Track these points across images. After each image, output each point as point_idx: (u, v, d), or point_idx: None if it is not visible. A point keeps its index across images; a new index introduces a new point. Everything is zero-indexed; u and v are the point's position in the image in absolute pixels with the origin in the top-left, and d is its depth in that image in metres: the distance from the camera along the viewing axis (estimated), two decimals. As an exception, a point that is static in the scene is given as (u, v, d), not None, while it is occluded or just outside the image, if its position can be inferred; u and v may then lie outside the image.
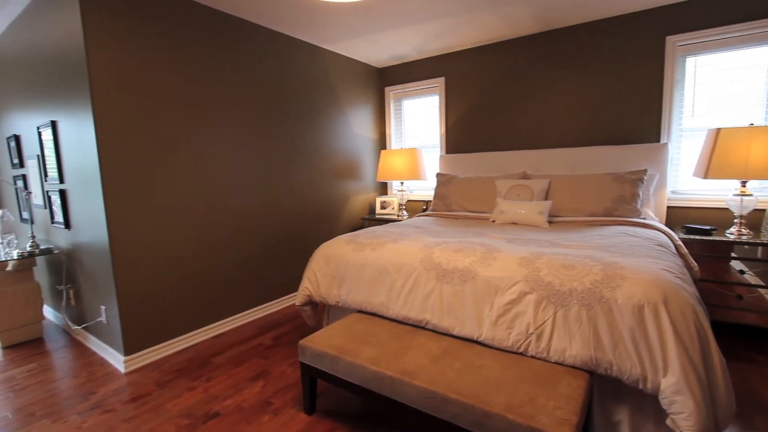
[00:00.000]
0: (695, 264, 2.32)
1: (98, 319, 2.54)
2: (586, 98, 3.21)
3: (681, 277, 1.57)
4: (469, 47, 3.72)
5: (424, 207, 4.14)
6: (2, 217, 3.09)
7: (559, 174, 3.05)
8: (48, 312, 3.30)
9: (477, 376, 1.47)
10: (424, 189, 4.27)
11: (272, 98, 3.16)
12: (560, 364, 1.53)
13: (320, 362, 1.77)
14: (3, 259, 2.62)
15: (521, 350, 1.61)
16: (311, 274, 2.35)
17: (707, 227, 2.60)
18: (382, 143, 4.46)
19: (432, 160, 4.13)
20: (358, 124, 4.10)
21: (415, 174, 3.78)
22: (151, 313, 2.46)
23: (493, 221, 2.91)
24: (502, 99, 3.61)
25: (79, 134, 2.31)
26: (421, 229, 2.59)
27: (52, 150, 2.60)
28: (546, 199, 2.93)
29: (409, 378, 1.48)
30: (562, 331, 1.52)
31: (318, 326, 2.65)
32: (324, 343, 1.80)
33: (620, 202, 2.67)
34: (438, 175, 3.67)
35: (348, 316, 2.16)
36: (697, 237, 2.52)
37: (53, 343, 2.78)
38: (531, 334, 1.58)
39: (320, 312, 2.84)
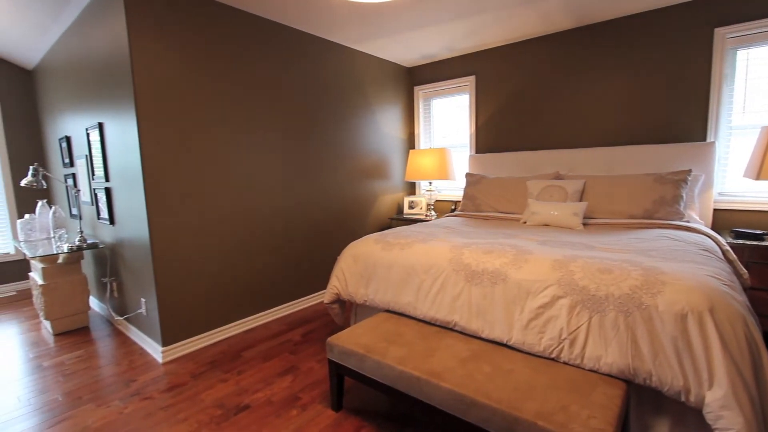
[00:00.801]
0: (745, 271, 2.18)
1: (138, 311, 2.67)
2: (624, 95, 3.07)
3: (729, 285, 1.48)
4: (500, 45, 3.64)
5: (453, 207, 4.09)
6: (54, 212, 3.31)
7: (595, 174, 2.94)
8: (93, 303, 3.51)
9: (507, 380, 1.44)
10: (453, 189, 4.22)
11: (303, 99, 3.21)
12: (595, 371, 1.47)
13: (348, 360, 1.78)
14: (54, 252, 2.80)
15: (553, 356, 1.56)
16: (339, 272, 2.38)
17: (759, 232, 2.43)
18: (410, 143, 4.45)
19: (461, 159, 4.08)
20: (387, 124, 4.11)
21: (444, 174, 3.74)
22: (187, 306, 2.56)
23: (524, 222, 2.84)
24: (534, 97, 3.52)
25: (124, 135, 2.44)
26: (450, 230, 2.56)
27: (99, 150, 2.76)
28: (581, 200, 2.83)
29: (437, 379, 1.47)
30: (598, 337, 1.46)
31: (346, 324, 2.68)
32: (351, 341, 1.82)
33: (661, 204, 2.54)
34: (467, 175, 3.62)
35: (375, 315, 2.17)
36: (748, 242, 2.36)
37: (98, 332, 2.95)
38: (564, 339, 1.53)
39: (348, 310, 2.87)
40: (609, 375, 1.44)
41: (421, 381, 1.51)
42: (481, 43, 3.61)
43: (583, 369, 1.49)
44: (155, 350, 2.50)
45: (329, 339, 1.86)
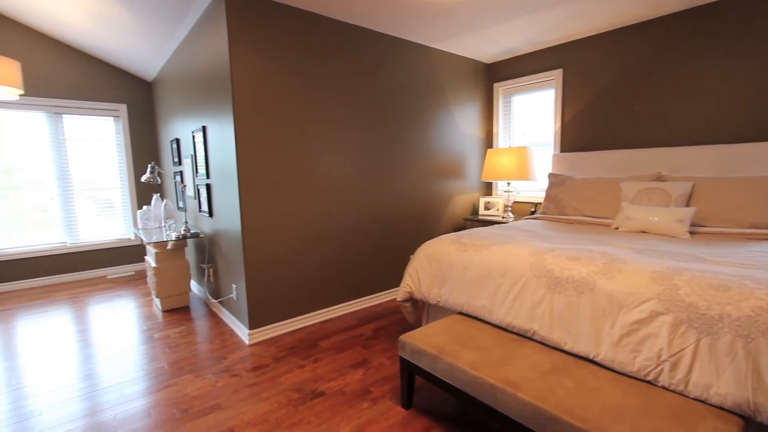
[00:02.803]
0: None
1: (230, 296, 2.95)
2: (746, 84, 2.63)
3: None
4: (593, 34, 3.35)
5: (533, 209, 3.87)
6: (165, 205, 3.79)
7: (706, 176, 2.57)
8: (193, 286, 3.96)
9: (592, 399, 1.32)
10: (533, 190, 3.99)
11: (382, 100, 3.27)
12: (702, 401, 1.29)
13: (419, 359, 1.78)
14: (165, 239, 3.21)
15: (649, 378, 1.40)
16: (413, 271, 2.38)
17: None
18: (488, 141, 4.30)
19: (543, 159, 3.84)
20: (464, 122, 4.02)
21: (524, 174, 3.56)
22: (271, 294, 2.77)
23: (616, 228, 2.58)
24: (631, 90, 3.17)
25: (223, 137, 2.70)
26: (530, 233, 2.42)
27: (202, 150, 3.09)
28: (687, 205, 2.50)
29: (513, 389, 1.40)
30: (707, 363, 1.28)
31: (417, 323, 2.68)
32: (423, 341, 1.81)
33: (796, 212, 2.14)
34: (550, 175, 3.40)
35: (448, 316, 2.13)
36: None
37: (196, 312, 3.32)
38: (663, 361, 1.36)
39: (420, 309, 2.87)
40: (721, 407, 1.25)
41: (495, 389, 1.45)
42: (570, 34, 3.35)
43: (687, 397, 1.31)
44: (243, 332, 2.75)
45: (401, 337, 1.88)
